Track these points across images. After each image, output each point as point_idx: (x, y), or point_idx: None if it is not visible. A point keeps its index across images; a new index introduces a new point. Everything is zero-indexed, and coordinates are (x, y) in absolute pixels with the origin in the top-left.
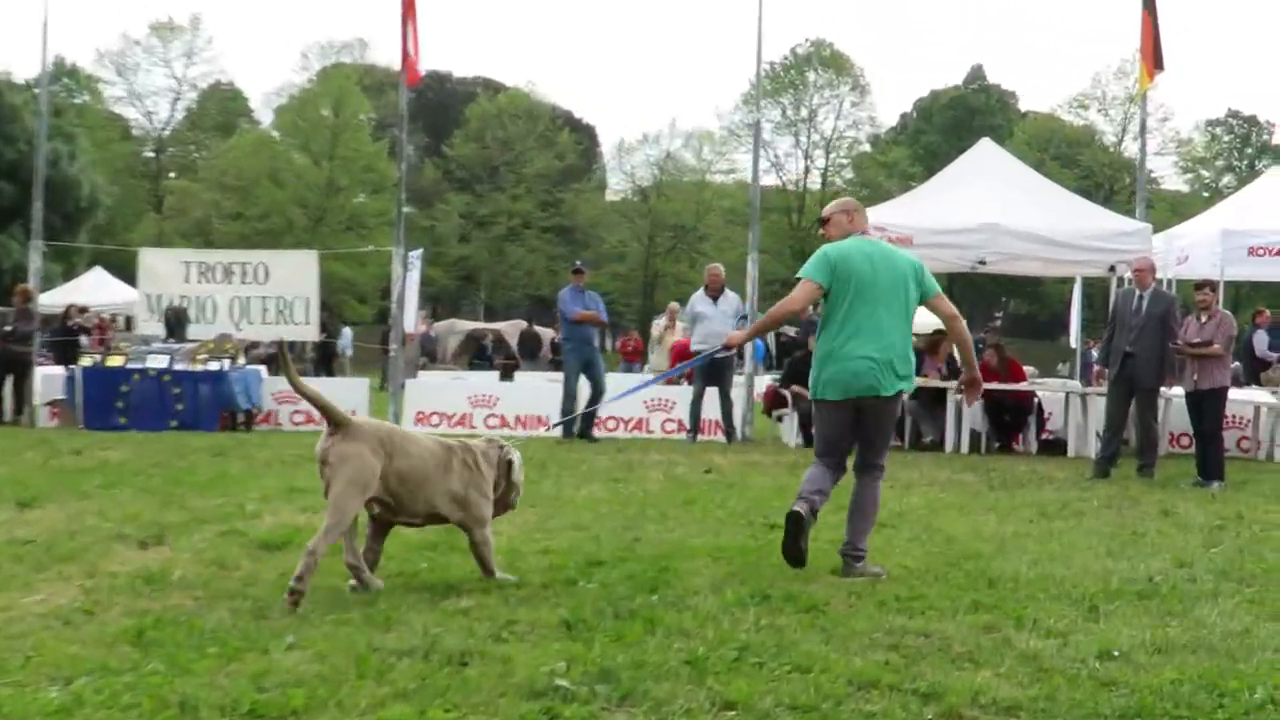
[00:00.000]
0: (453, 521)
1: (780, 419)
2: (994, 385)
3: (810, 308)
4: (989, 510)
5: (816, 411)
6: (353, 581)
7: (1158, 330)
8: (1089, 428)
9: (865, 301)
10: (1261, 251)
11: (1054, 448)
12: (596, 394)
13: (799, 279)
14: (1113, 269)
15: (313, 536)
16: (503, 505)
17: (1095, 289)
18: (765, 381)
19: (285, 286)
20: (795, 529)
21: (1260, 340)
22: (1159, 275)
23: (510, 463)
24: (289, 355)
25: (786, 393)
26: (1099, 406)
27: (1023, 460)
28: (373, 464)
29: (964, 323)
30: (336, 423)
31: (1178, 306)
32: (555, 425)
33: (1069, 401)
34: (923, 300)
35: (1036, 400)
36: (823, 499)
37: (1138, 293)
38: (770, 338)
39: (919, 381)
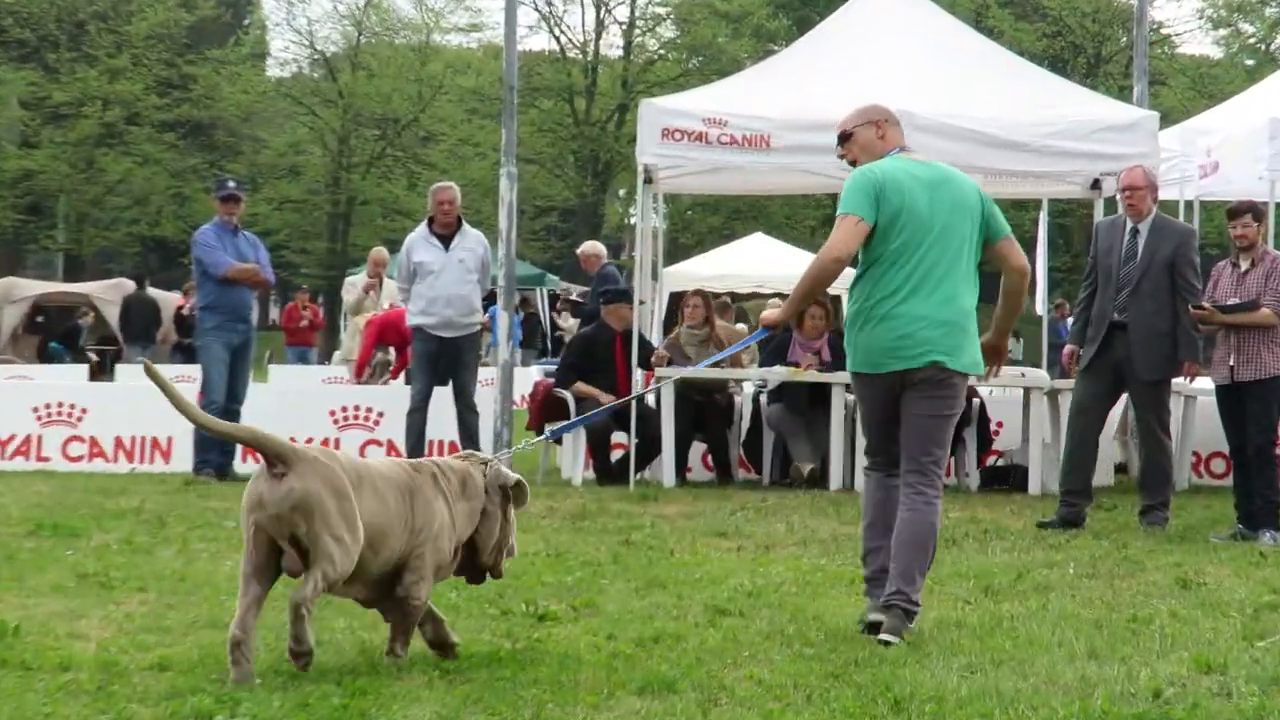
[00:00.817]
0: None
1: (558, 437)
2: None
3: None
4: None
5: (857, 390)
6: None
7: (1163, 284)
8: (1062, 444)
9: (920, 243)
10: None
11: (1006, 479)
12: (232, 403)
13: (839, 215)
14: (1098, 185)
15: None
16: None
17: (1074, 219)
18: (534, 375)
19: None
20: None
21: None
22: (1168, 195)
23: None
24: None
25: (568, 394)
26: None
27: (956, 500)
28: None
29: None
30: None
31: (1195, 246)
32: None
33: (1030, 404)
34: (988, 243)
35: (978, 404)
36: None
37: (1129, 225)
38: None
39: (782, 373)
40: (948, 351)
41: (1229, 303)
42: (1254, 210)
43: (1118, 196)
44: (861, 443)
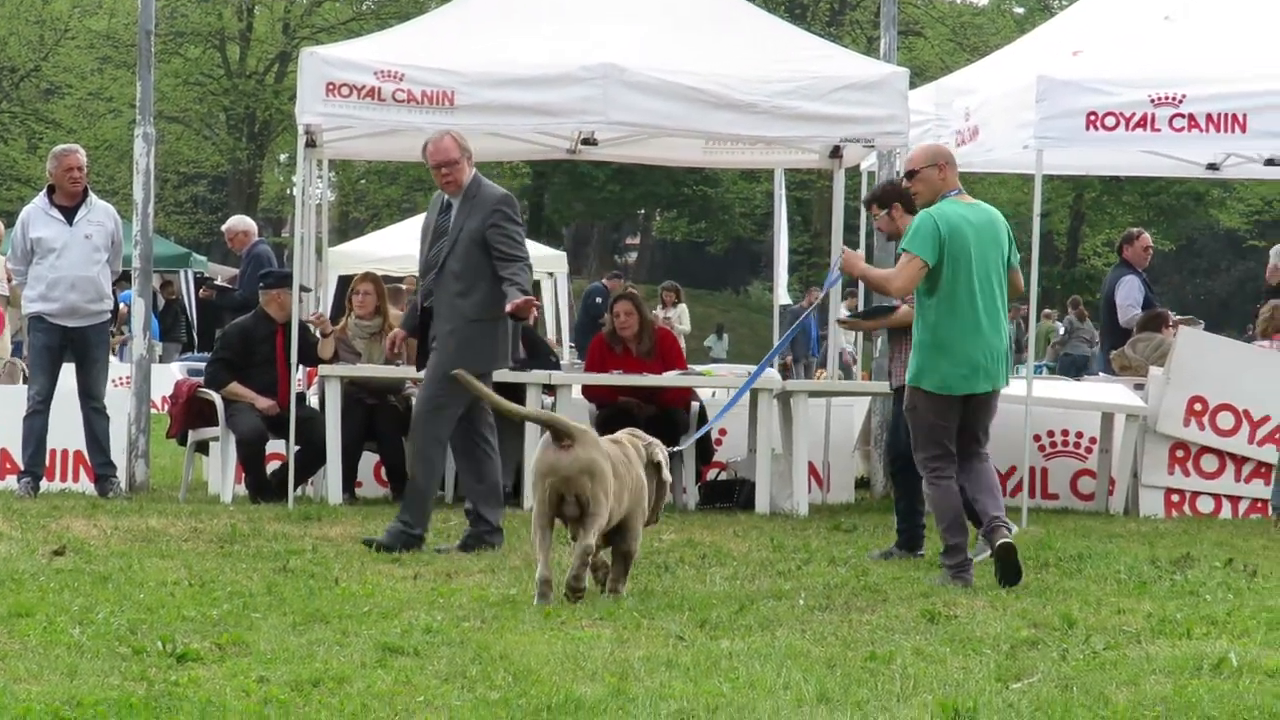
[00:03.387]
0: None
1: (203, 447)
2: (621, 379)
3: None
4: (602, 619)
5: (929, 406)
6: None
7: (473, 262)
8: (796, 454)
9: (975, 279)
10: (1113, 121)
11: (730, 495)
12: None
13: (905, 253)
14: (838, 153)
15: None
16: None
17: (813, 191)
18: (175, 373)
19: None
20: (1008, 563)
21: (1128, 289)
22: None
23: (658, 463)
24: None
25: (216, 396)
26: (819, 414)
27: (670, 521)
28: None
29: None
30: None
31: (508, 213)
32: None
33: (758, 409)
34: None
35: (697, 408)
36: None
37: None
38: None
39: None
40: (1001, 375)
41: (872, 306)
42: (883, 197)
43: (866, 165)
44: None
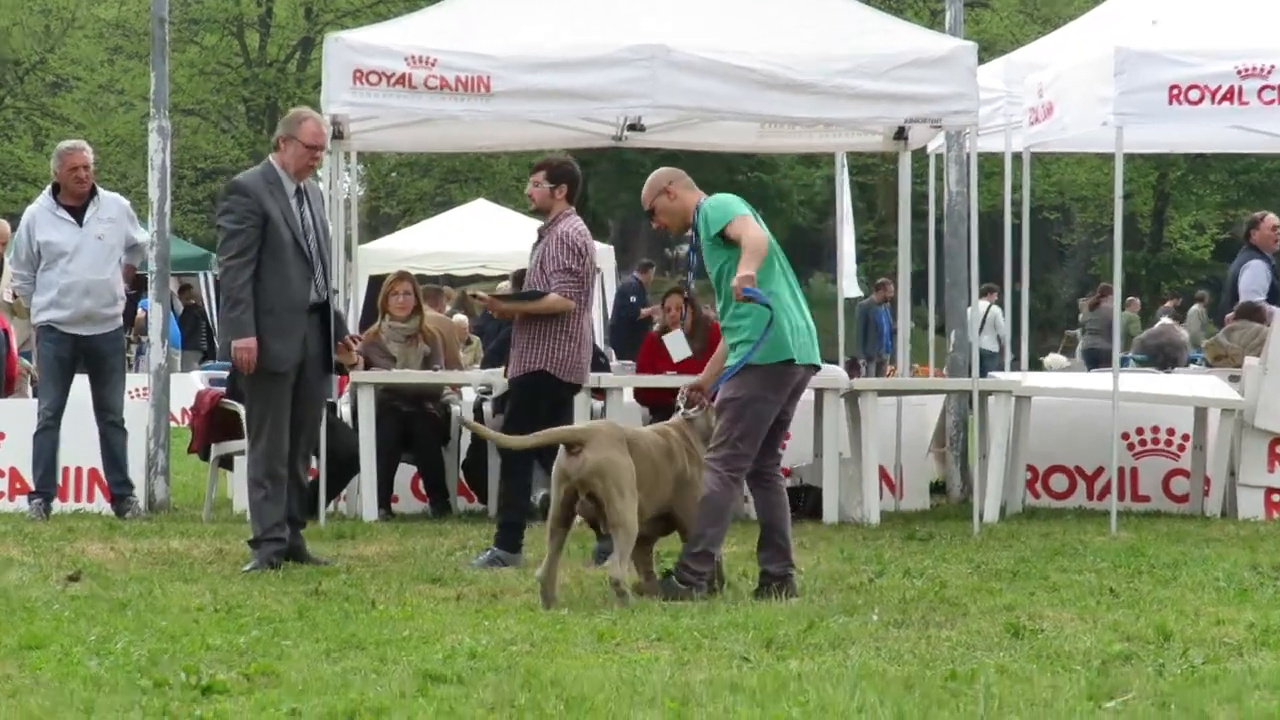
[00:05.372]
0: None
1: (227, 461)
2: (675, 380)
3: None
4: (659, 639)
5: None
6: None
7: None
8: (865, 458)
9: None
10: (1196, 94)
11: (793, 502)
12: None
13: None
14: (903, 134)
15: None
16: None
17: (877, 176)
18: (197, 383)
19: None
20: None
21: (1253, 274)
22: (991, 146)
23: None
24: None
25: (241, 407)
26: (890, 414)
27: (732, 532)
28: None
29: None
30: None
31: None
32: None
33: (824, 410)
34: None
35: None
36: None
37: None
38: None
39: (484, 376)
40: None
41: (524, 290)
42: (548, 168)
43: (933, 147)
44: None
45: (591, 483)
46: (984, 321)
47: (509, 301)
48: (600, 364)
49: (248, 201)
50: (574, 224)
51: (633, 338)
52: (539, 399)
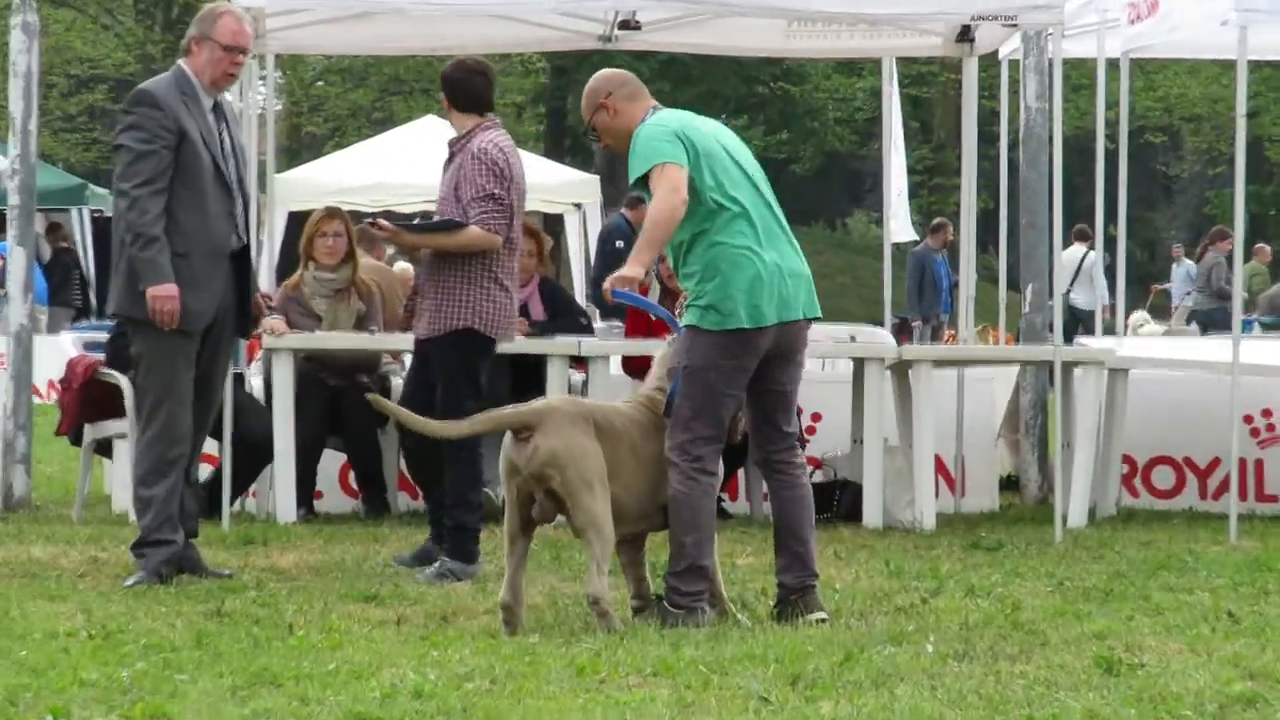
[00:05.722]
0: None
1: (104, 448)
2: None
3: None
4: (656, 674)
5: None
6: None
7: None
8: (918, 446)
9: None
10: None
11: (826, 502)
12: None
13: None
14: (968, 35)
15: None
16: None
17: (934, 88)
18: (68, 348)
19: None
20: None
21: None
22: (1083, 51)
23: None
24: None
25: (122, 379)
26: (949, 391)
27: (743, 541)
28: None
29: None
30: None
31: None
32: None
33: (865, 384)
34: None
35: None
36: None
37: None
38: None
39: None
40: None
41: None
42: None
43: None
44: None
45: (547, 475)
46: (1077, 272)
47: (418, 234)
48: (581, 325)
49: (159, 115)
50: (491, 137)
51: None
52: (472, 365)
